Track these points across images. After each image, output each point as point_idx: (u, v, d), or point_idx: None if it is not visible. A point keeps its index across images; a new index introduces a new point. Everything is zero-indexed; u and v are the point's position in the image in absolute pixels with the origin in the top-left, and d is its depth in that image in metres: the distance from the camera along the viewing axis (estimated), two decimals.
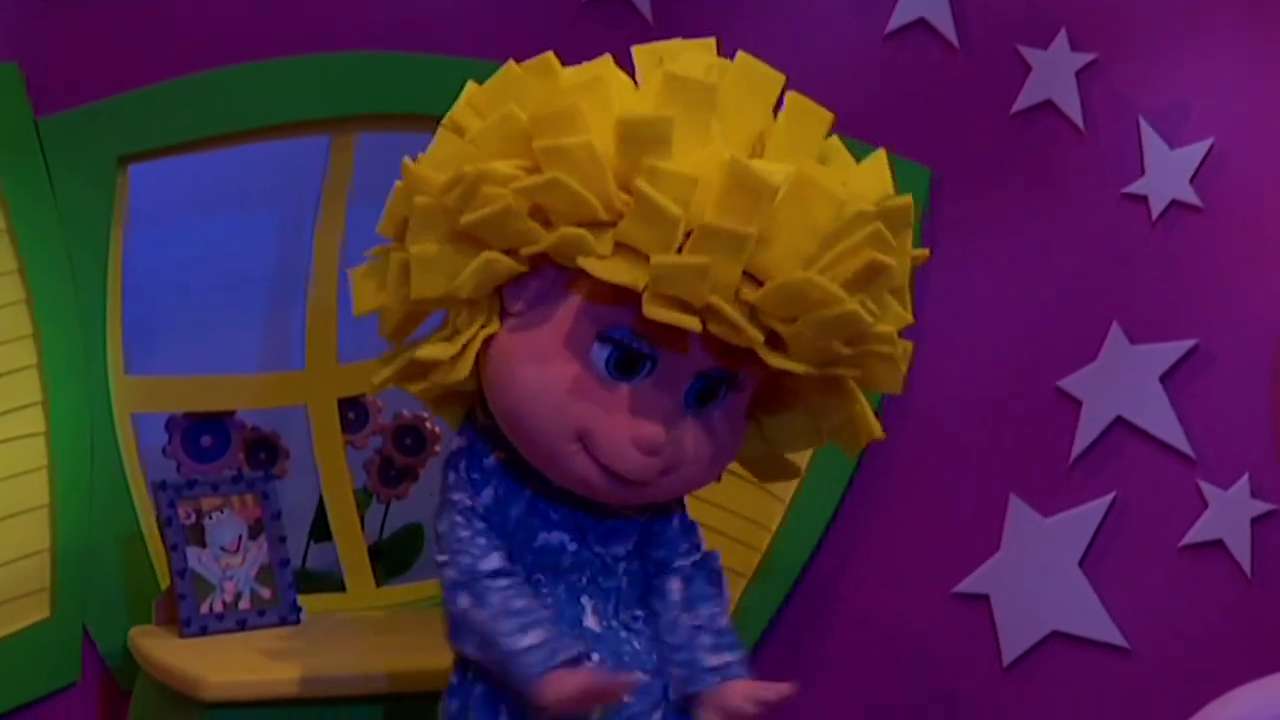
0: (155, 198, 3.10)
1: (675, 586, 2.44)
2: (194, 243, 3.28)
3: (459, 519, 2.38)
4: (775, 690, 2.34)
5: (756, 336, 2.25)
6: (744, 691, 2.34)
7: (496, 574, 2.35)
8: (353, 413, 3.19)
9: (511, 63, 2.33)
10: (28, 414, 2.87)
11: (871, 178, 2.36)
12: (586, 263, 2.25)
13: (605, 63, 2.35)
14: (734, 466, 2.47)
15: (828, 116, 2.35)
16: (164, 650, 2.80)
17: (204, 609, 2.89)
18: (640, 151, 2.23)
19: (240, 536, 2.95)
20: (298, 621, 2.95)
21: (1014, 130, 2.94)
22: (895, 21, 2.98)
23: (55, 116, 2.89)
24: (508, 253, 2.28)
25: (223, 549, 2.94)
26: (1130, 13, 2.89)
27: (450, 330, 2.37)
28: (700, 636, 2.40)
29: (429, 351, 2.35)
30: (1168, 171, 2.86)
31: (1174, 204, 2.87)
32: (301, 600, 2.99)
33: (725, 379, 2.34)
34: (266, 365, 3.22)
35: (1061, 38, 2.91)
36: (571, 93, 2.27)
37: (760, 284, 2.25)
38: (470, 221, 2.25)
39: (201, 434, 3.09)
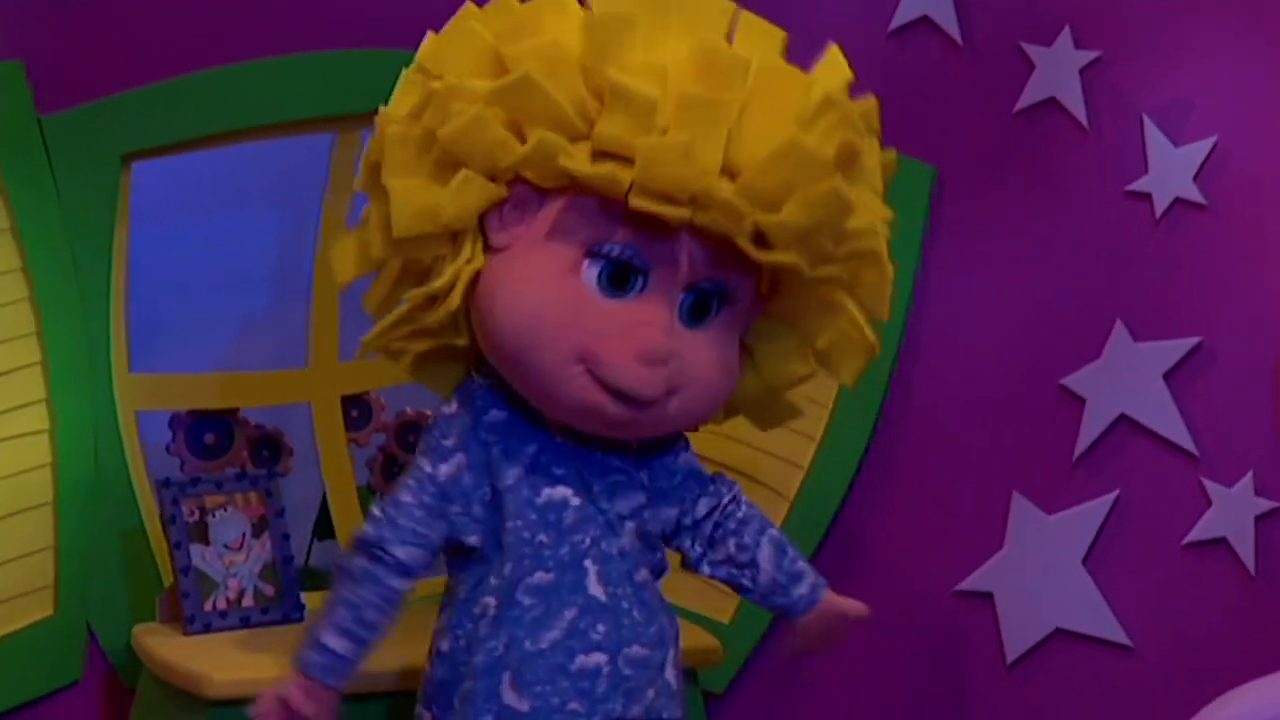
0: (159, 195, 3.10)
1: (730, 547, 2.47)
2: (197, 240, 3.28)
3: (410, 483, 2.38)
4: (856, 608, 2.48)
5: (749, 210, 2.25)
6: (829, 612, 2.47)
7: (393, 566, 2.36)
8: (356, 410, 3.20)
9: (469, 3, 2.35)
10: (31, 412, 2.88)
11: (831, 72, 2.40)
12: (569, 161, 2.25)
13: None
14: (733, 431, 2.47)
15: (781, 33, 2.37)
16: (167, 648, 2.80)
17: (207, 606, 2.90)
18: (608, 47, 2.25)
19: (244, 534, 2.96)
20: (301, 619, 2.96)
21: (1017, 128, 2.94)
22: (899, 19, 2.98)
23: (58, 114, 2.89)
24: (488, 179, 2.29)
25: (226, 546, 2.94)
26: (1134, 10, 2.89)
27: (386, 289, 2.41)
28: (778, 571, 2.47)
29: (417, 292, 2.34)
30: (1171, 169, 2.86)
31: (1178, 202, 2.86)
32: (305, 598, 2.99)
33: (717, 292, 2.35)
34: (270, 363, 3.22)
35: (1065, 35, 2.90)
36: (533, 5, 2.30)
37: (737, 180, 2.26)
38: (446, 134, 2.25)
39: (205, 431, 3.09)
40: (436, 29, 2.96)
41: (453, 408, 2.43)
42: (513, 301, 2.32)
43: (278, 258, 3.33)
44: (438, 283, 2.34)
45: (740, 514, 2.50)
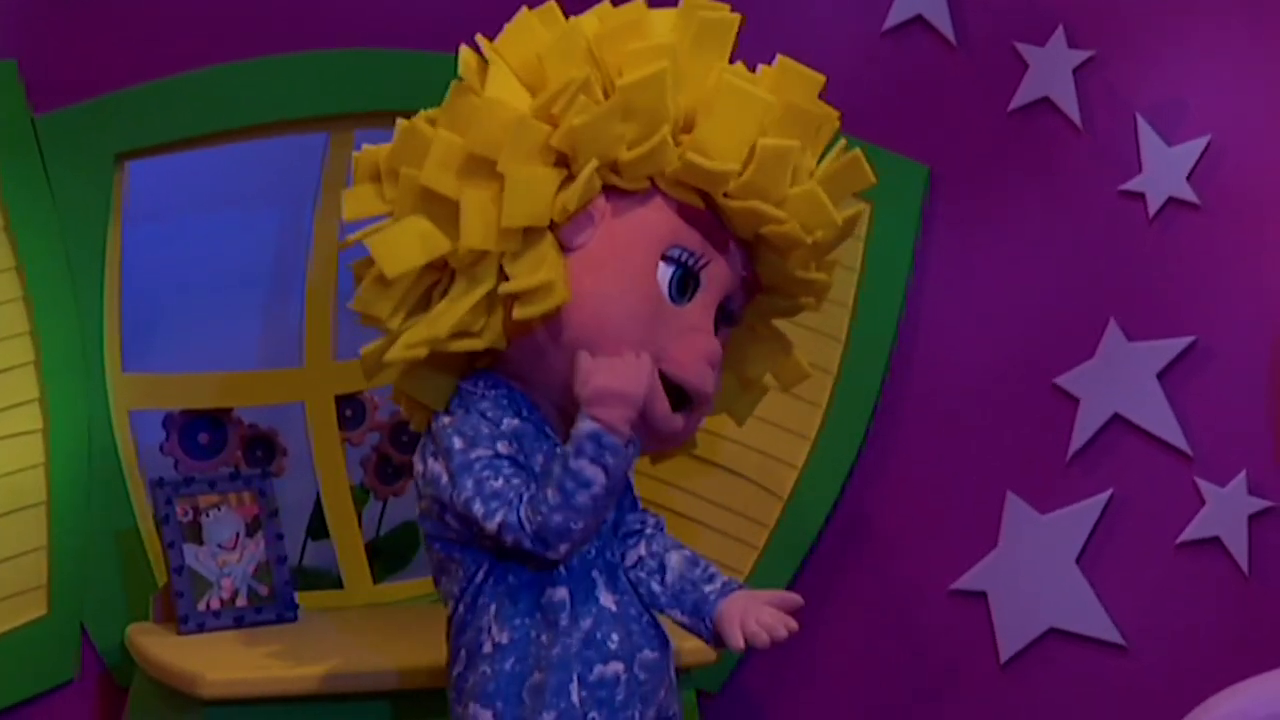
0: (153, 195, 3.10)
1: (640, 550, 2.45)
2: (191, 240, 3.28)
3: (486, 473, 2.32)
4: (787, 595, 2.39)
5: (835, 219, 2.39)
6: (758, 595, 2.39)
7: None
8: (350, 410, 3.19)
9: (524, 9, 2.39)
10: (25, 411, 2.88)
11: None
12: (692, 157, 2.30)
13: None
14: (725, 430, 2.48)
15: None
16: (161, 647, 2.80)
17: (201, 606, 2.89)
18: (710, 53, 2.34)
19: (238, 534, 2.95)
20: (295, 619, 2.96)
21: (1011, 127, 2.94)
22: (893, 18, 2.98)
23: (53, 114, 2.89)
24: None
25: (220, 546, 2.94)
26: (1128, 10, 2.89)
27: (466, 285, 2.32)
28: (690, 573, 2.42)
29: (519, 284, 2.30)
30: (1165, 168, 2.86)
31: (1171, 201, 2.86)
32: (299, 597, 2.99)
33: (732, 311, 2.43)
34: (264, 362, 3.22)
35: (1059, 35, 2.91)
36: (631, 9, 2.38)
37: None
38: (577, 126, 2.27)
39: (199, 431, 3.09)
40: (428, 30, 2.98)
41: (458, 414, 2.38)
42: (600, 298, 2.34)
43: (271, 257, 3.33)
44: (534, 279, 2.30)
45: (660, 534, 2.49)
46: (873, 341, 3.00)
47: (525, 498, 2.31)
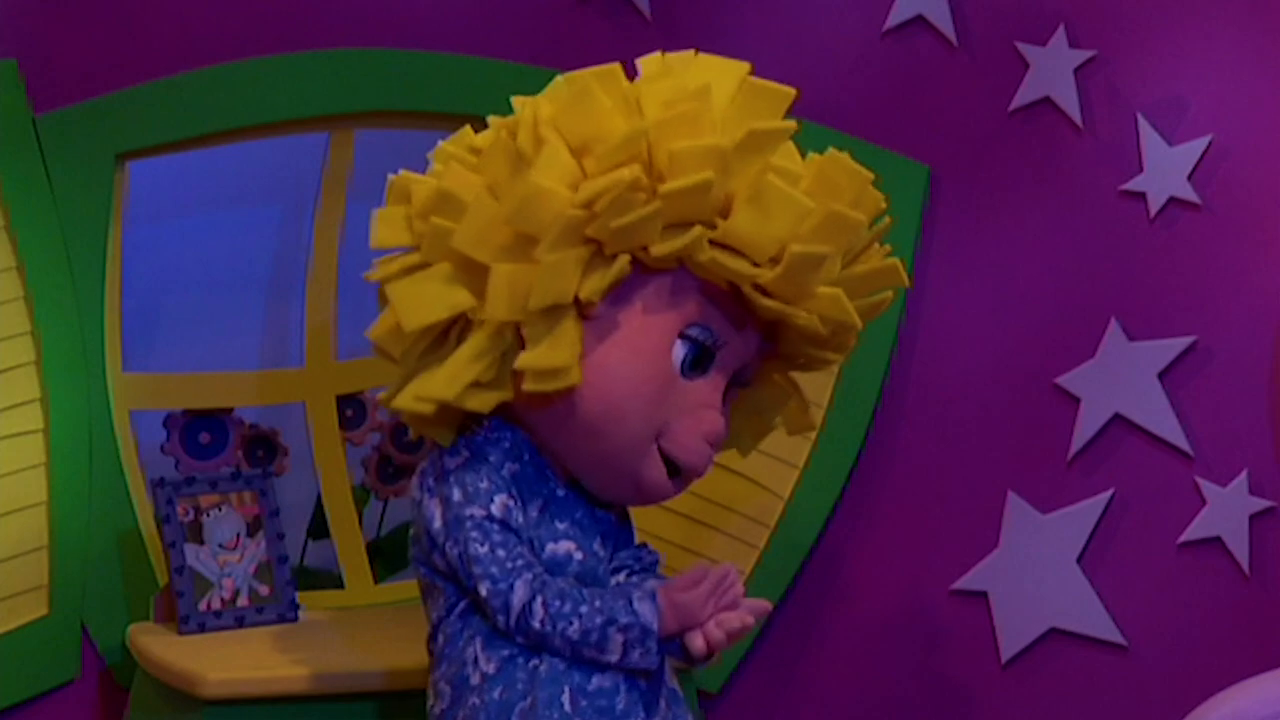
0: (154, 194, 3.10)
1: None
2: (192, 239, 3.28)
3: (475, 535, 2.34)
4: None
5: (857, 323, 2.40)
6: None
7: (536, 576, 2.34)
8: (351, 410, 3.19)
9: (578, 75, 2.35)
10: (26, 411, 2.88)
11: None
12: (717, 255, 2.30)
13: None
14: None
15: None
16: (162, 647, 2.80)
17: (202, 606, 2.89)
18: (762, 152, 2.32)
19: (238, 534, 2.95)
20: (296, 619, 2.96)
21: (1012, 127, 2.94)
22: (894, 18, 2.97)
23: (53, 113, 2.89)
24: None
25: (221, 546, 2.94)
26: (1129, 9, 2.89)
27: (486, 344, 2.33)
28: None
29: (536, 361, 2.31)
30: (1166, 168, 2.86)
31: (1172, 201, 2.87)
32: (300, 597, 2.99)
33: (741, 384, 2.44)
34: (265, 362, 3.22)
35: (1060, 34, 2.91)
36: (679, 101, 2.33)
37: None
38: (620, 225, 2.27)
39: (200, 431, 3.09)
40: (428, 30, 2.98)
41: (461, 457, 2.40)
42: (609, 372, 2.34)
43: (272, 257, 3.33)
44: (553, 359, 2.31)
45: (650, 576, 2.48)
46: (873, 341, 2.99)
47: (538, 583, 2.32)
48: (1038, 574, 2.91)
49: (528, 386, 2.32)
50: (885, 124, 2.95)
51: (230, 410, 3.11)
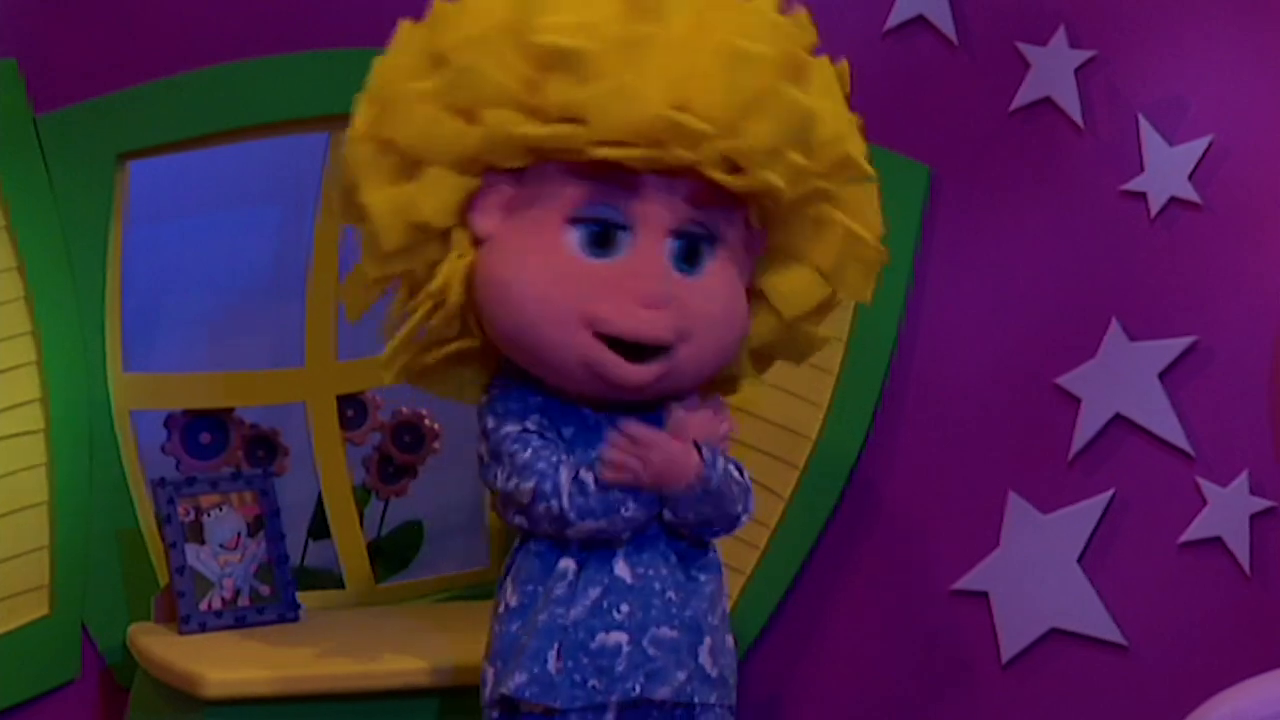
0: (155, 194, 3.10)
1: None
2: (193, 239, 3.28)
3: (515, 447, 2.40)
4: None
5: (708, 134, 2.31)
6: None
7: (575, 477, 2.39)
8: (351, 410, 3.19)
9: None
10: (27, 411, 2.88)
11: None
12: (527, 127, 2.30)
13: None
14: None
15: None
16: (163, 647, 2.80)
17: (203, 606, 2.89)
18: (534, 15, 2.32)
19: (239, 534, 2.95)
20: (297, 619, 2.96)
21: (1013, 127, 2.94)
22: (894, 18, 2.97)
23: (54, 113, 2.89)
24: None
25: (222, 546, 2.94)
26: (1130, 10, 2.89)
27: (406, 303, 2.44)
28: None
29: (417, 300, 2.39)
30: (1167, 168, 2.86)
31: (1173, 201, 2.86)
32: (300, 597, 2.99)
33: (704, 235, 2.40)
34: (265, 362, 3.22)
35: (1060, 35, 2.90)
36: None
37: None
38: (404, 138, 2.33)
39: (200, 431, 3.09)
40: None
41: (492, 394, 2.46)
42: (507, 287, 2.37)
43: (273, 257, 3.33)
44: (433, 285, 2.38)
45: None
46: (873, 341, 3.00)
47: (565, 471, 2.37)
48: (1038, 574, 2.91)
49: (436, 321, 2.40)
50: (885, 124, 2.94)
51: (231, 410, 3.11)
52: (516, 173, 2.38)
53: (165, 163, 3.02)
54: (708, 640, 2.44)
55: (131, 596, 2.94)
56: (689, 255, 2.40)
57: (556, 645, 2.38)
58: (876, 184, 2.52)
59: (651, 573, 2.41)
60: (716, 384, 2.55)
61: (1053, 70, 2.91)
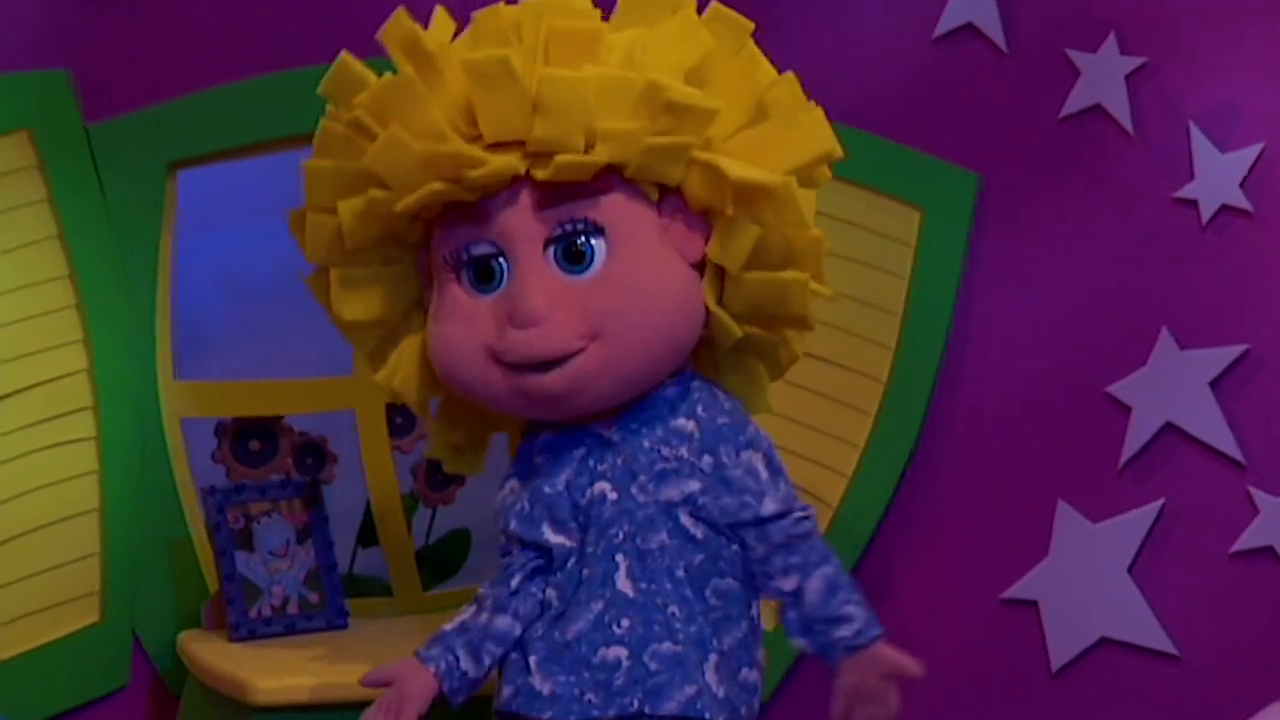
0: (206, 202, 3.11)
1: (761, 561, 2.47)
2: (243, 248, 3.29)
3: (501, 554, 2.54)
4: (907, 665, 2.44)
5: (462, 151, 2.36)
6: (877, 670, 2.44)
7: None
8: (400, 418, 3.20)
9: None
10: (78, 419, 2.89)
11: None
12: (347, 206, 2.42)
13: None
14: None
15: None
16: (213, 654, 2.81)
17: (252, 613, 2.90)
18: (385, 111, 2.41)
19: (288, 541, 2.97)
20: (345, 626, 2.96)
21: (1062, 135, 2.93)
22: (943, 25, 2.97)
23: (105, 123, 2.91)
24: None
25: (271, 553, 2.95)
26: (1181, 16, 2.87)
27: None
28: (824, 608, 2.45)
29: (380, 377, 2.55)
30: (1218, 176, 2.85)
31: (1224, 208, 2.85)
32: (349, 604, 3.00)
33: (580, 230, 2.40)
34: (314, 370, 3.23)
35: (1111, 42, 2.89)
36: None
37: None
38: (310, 255, 2.52)
39: (250, 439, 3.10)
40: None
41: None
42: (432, 348, 2.46)
43: None
44: (380, 376, 2.55)
45: (807, 530, 2.48)
46: (923, 349, 2.99)
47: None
48: (1088, 583, 2.89)
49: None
50: (935, 132, 2.94)
51: (280, 418, 3.12)
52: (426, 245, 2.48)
53: (216, 171, 3.03)
54: (713, 657, 2.43)
55: (181, 603, 2.95)
56: (571, 256, 2.40)
57: (528, 660, 2.42)
58: (819, 112, 2.48)
59: (653, 587, 2.41)
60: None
61: (1103, 77, 2.90)
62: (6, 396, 2.83)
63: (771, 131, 2.44)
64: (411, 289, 2.51)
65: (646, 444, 2.44)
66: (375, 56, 2.98)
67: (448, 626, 2.48)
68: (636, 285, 2.40)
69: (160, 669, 2.94)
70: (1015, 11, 2.95)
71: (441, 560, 3.39)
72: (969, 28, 2.96)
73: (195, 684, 2.84)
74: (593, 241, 2.40)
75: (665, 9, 2.45)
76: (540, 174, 2.37)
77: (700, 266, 2.45)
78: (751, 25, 2.48)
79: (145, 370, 2.95)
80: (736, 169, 2.39)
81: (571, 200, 2.39)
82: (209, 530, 2.92)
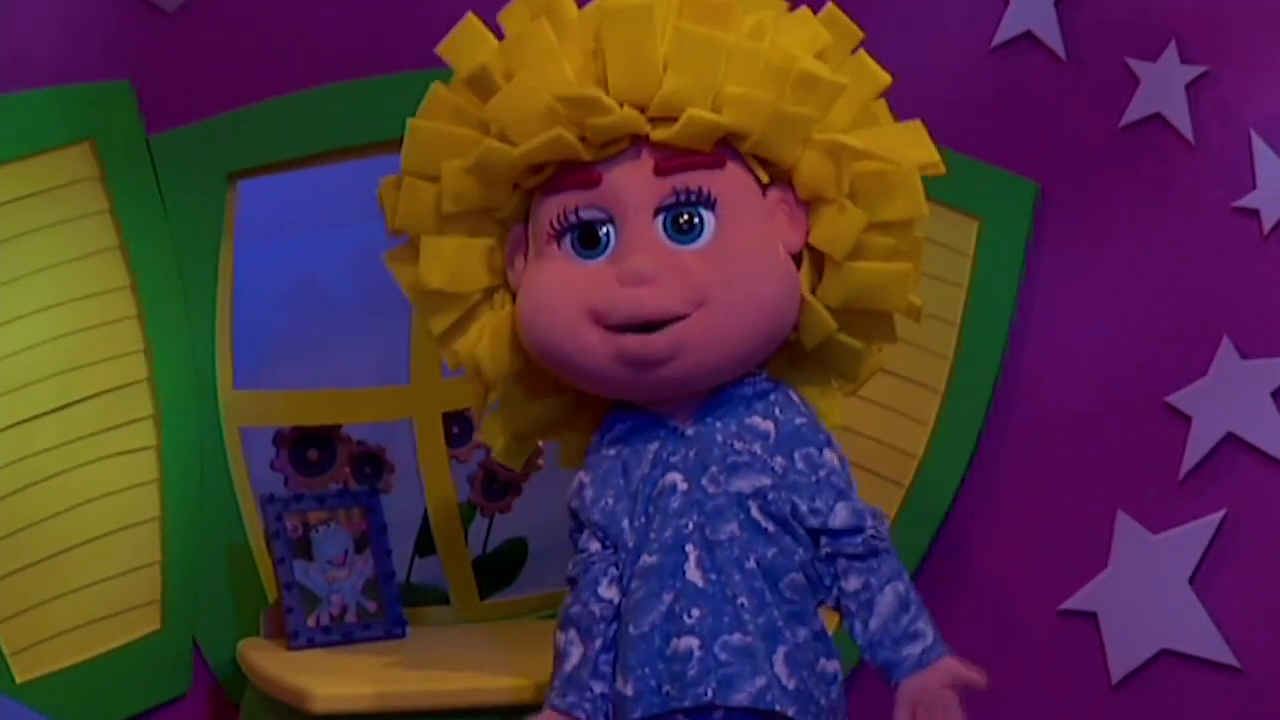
0: (265, 213, 3.13)
1: (854, 583, 2.46)
2: (302, 258, 3.31)
3: (574, 560, 2.52)
4: (971, 676, 2.42)
5: (598, 98, 2.36)
6: (939, 679, 2.42)
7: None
8: (457, 427, 3.21)
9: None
10: (139, 428, 2.91)
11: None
12: (461, 160, 2.42)
13: None
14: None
15: None
16: (272, 662, 2.82)
17: (311, 622, 2.92)
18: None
19: (346, 550, 2.98)
20: (403, 635, 2.97)
21: (1122, 144, 2.92)
22: (1002, 34, 2.96)
23: (166, 134, 2.93)
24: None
25: (329, 562, 2.96)
26: (1241, 25, 2.86)
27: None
28: (894, 626, 2.44)
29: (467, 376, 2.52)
30: (1279, 185, 2.83)
31: None
32: (406, 613, 3.00)
33: (693, 201, 2.40)
34: (372, 380, 3.24)
35: (1171, 50, 2.88)
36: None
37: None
38: (400, 224, 2.51)
39: (308, 448, 3.11)
40: None
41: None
42: (526, 315, 2.44)
43: (380, 275, 3.34)
44: (460, 348, 2.52)
45: (879, 547, 2.47)
46: (981, 359, 2.98)
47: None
48: (1149, 594, 2.88)
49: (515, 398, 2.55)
50: (994, 141, 2.93)
51: (338, 427, 3.13)
52: (524, 219, 2.47)
53: (275, 181, 3.05)
54: (782, 650, 2.42)
55: (241, 612, 2.97)
56: (682, 225, 2.40)
57: (619, 662, 2.41)
58: (921, 125, 2.51)
59: (722, 578, 2.40)
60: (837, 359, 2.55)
61: (1163, 86, 2.88)
62: (68, 406, 2.86)
63: (883, 133, 2.48)
64: (497, 264, 2.50)
65: (720, 438, 2.44)
66: (433, 68, 3.01)
67: (569, 667, 2.45)
68: (745, 258, 2.41)
69: (220, 677, 2.95)
70: (1074, 20, 2.93)
71: (499, 569, 3.39)
72: (1028, 36, 2.95)
73: (254, 692, 2.85)
74: (703, 213, 2.41)
75: (782, 3, 2.50)
76: (663, 134, 2.38)
77: (797, 259, 2.46)
78: (862, 35, 2.52)
79: (205, 380, 2.96)
80: (863, 143, 2.42)
81: (686, 170, 2.40)
82: (268, 539, 2.93)
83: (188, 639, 2.94)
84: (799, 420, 2.47)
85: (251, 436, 3.06)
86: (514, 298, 2.48)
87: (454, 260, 2.48)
